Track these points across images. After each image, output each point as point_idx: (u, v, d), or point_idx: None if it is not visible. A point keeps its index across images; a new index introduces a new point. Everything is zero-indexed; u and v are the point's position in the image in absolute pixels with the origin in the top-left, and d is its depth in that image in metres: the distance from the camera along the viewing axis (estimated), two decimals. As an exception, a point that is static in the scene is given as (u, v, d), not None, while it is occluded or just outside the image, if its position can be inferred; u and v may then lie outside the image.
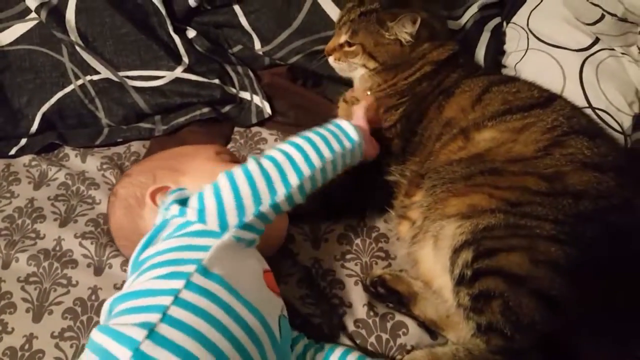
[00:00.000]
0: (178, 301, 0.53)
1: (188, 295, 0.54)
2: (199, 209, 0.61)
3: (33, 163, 1.06)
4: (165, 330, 0.51)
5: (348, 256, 0.86)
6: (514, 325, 0.65)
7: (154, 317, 0.51)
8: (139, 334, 0.50)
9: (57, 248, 0.90)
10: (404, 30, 0.90)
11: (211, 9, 1.16)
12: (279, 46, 1.14)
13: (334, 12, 1.11)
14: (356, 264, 0.85)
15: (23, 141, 1.09)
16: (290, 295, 0.79)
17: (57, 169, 1.04)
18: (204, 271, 0.56)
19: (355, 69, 0.97)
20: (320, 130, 0.72)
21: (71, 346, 0.77)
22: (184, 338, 0.51)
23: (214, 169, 0.76)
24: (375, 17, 0.92)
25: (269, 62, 1.19)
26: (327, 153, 0.69)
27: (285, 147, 0.68)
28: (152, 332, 0.50)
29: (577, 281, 0.65)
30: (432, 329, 0.76)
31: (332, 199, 0.89)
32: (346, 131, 0.73)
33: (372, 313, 0.78)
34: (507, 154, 0.78)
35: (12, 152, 1.07)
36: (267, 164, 0.65)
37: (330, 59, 0.98)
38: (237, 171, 0.64)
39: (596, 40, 1.01)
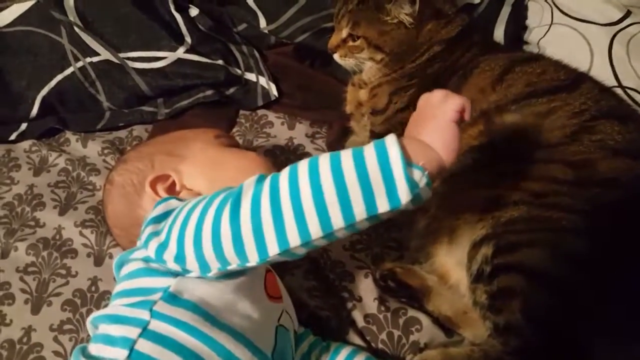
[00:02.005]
0: (146, 333, 0.50)
1: (156, 326, 0.51)
2: (176, 254, 0.52)
3: (33, 148, 1.03)
4: None
5: (358, 246, 0.82)
6: (533, 325, 0.60)
7: (121, 354, 0.49)
8: None
9: (57, 237, 0.87)
10: (403, 12, 0.84)
11: (215, -15, 1.10)
12: (285, 24, 1.08)
13: (343, -13, 1.04)
14: (367, 255, 0.81)
15: (23, 126, 1.05)
16: (297, 287, 0.75)
17: (57, 154, 1.00)
18: (173, 299, 0.52)
19: (363, 64, 0.91)
20: (347, 171, 0.45)
21: (70, 339, 0.74)
22: None
23: (213, 154, 0.73)
24: (374, 3, 0.86)
25: (275, 41, 1.13)
26: (338, 220, 0.45)
27: (283, 196, 0.46)
28: None
29: (599, 279, 0.60)
30: (447, 326, 0.72)
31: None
32: (395, 182, 0.44)
33: (383, 308, 0.74)
34: (532, 140, 0.73)
35: (12, 137, 1.04)
36: (244, 218, 0.47)
37: (336, 56, 0.93)
38: (223, 218, 0.49)
39: (627, 14, 0.94)
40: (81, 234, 0.86)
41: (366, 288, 0.76)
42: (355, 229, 0.47)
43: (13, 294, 0.80)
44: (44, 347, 0.74)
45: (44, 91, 1.06)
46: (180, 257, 0.52)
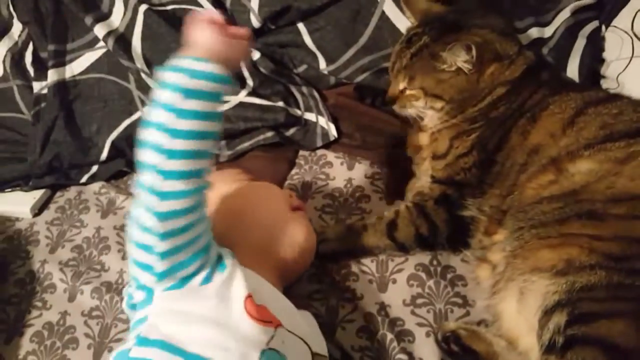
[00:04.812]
0: None
1: None
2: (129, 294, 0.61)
3: (102, 191, 1.07)
4: None
5: (419, 301, 0.77)
6: None
7: None
8: None
9: (119, 281, 0.89)
10: (460, 59, 0.80)
11: (275, 29, 1.11)
12: (344, 65, 1.07)
13: (403, 26, 1.02)
14: (429, 311, 0.76)
15: (94, 169, 1.10)
16: (348, 345, 0.72)
17: (124, 197, 1.04)
18: (143, 341, 0.55)
19: (424, 112, 0.88)
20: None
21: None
22: None
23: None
24: (428, 53, 0.82)
25: (335, 82, 1.12)
26: None
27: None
28: None
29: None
30: (514, 398, 0.66)
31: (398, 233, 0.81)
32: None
33: (445, 373, 0.69)
34: (609, 190, 0.66)
35: (84, 179, 1.09)
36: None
37: (395, 107, 0.90)
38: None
39: None
40: (142, 279, 0.88)
41: (427, 349, 0.71)
42: None
43: (77, 339, 0.82)
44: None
45: (114, 135, 1.10)
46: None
